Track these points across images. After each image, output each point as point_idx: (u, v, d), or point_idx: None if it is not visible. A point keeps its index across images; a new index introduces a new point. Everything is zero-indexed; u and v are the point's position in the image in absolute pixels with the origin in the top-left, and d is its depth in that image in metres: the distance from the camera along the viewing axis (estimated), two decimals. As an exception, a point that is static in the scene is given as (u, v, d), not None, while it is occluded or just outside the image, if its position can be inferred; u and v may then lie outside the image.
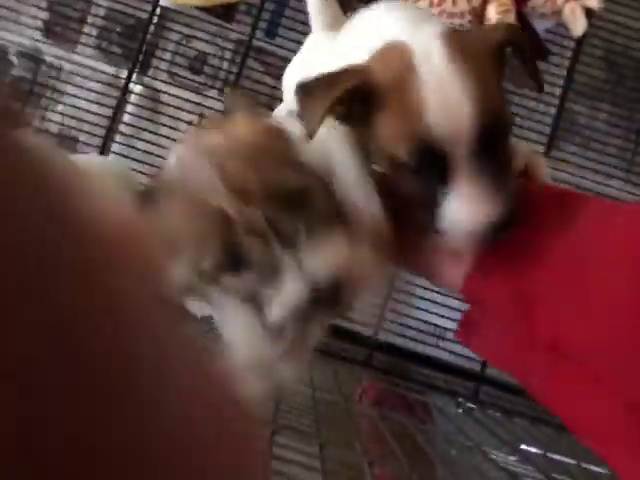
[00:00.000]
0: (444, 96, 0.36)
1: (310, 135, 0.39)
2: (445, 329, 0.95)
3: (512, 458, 0.73)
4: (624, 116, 1.03)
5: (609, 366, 0.35)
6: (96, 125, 0.96)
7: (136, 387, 0.12)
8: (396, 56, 0.39)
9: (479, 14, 0.80)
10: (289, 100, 0.73)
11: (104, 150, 0.95)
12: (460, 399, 0.89)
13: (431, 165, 0.37)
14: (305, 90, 0.40)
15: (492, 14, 0.78)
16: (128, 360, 0.12)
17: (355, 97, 0.39)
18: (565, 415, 0.38)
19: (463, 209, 0.38)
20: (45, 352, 0.10)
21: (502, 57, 0.40)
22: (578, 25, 0.78)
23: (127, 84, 0.95)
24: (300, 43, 1.02)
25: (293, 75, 0.71)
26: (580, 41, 0.95)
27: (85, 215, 0.13)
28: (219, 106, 0.98)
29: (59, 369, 0.10)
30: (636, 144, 1.03)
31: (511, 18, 0.78)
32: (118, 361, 0.12)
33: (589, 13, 0.80)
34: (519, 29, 0.46)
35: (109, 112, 0.96)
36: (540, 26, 0.86)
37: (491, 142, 0.38)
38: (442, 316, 0.93)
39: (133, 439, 0.12)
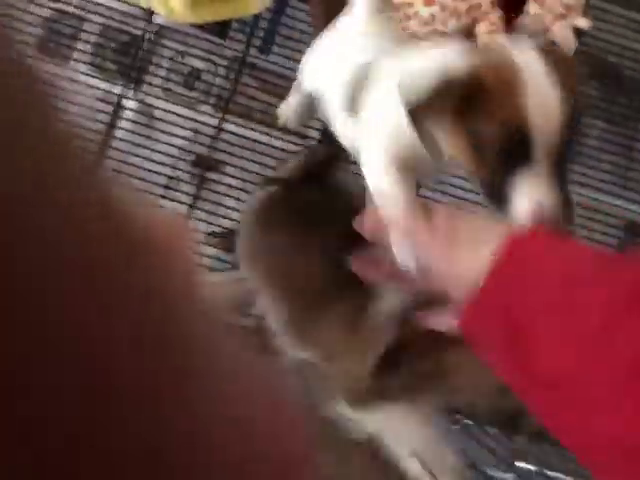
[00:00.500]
0: (542, 97, 0.45)
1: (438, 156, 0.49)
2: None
3: (508, 475, 0.72)
4: (617, 132, 1.03)
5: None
6: (89, 141, 0.96)
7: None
8: (501, 62, 0.47)
9: (468, 33, 0.80)
10: (308, 85, 0.76)
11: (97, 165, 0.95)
12: (457, 415, 0.88)
13: (517, 149, 0.45)
14: (420, 114, 0.47)
15: (481, 33, 0.79)
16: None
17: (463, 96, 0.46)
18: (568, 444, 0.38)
19: (535, 189, 0.45)
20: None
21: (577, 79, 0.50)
22: (567, 44, 0.79)
23: (120, 100, 0.95)
24: (293, 59, 1.03)
25: (320, 55, 0.72)
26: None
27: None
28: (212, 122, 0.98)
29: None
30: (629, 160, 1.04)
31: (500, 37, 0.79)
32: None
33: (578, 32, 0.81)
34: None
35: (102, 128, 0.96)
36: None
37: (565, 150, 0.46)
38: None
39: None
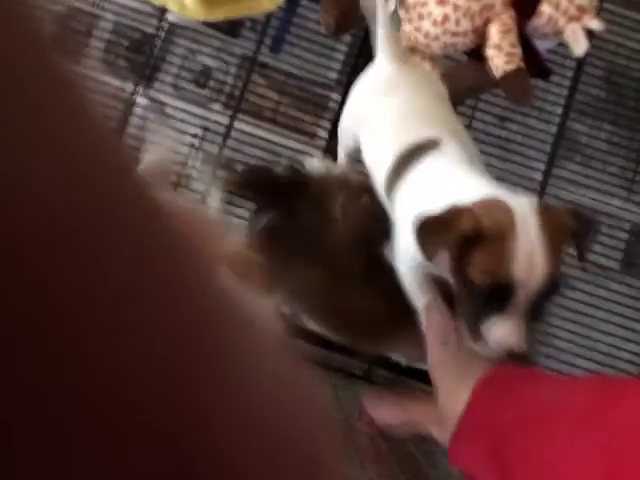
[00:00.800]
0: (530, 256, 0.51)
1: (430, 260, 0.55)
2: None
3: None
4: (625, 136, 1.04)
5: None
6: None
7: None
8: (501, 211, 0.53)
9: (481, 33, 0.81)
10: (345, 144, 0.79)
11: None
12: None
13: (497, 295, 0.52)
14: (425, 230, 0.54)
15: (494, 33, 0.79)
16: None
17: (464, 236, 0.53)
18: None
19: (506, 330, 0.52)
20: None
21: (568, 239, 0.55)
22: (580, 46, 0.79)
23: (132, 96, 0.96)
24: (304, 59, 1.04)
25: (352, 112, 0.75)
26: (581, 61, 0.96)
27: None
28: (223, 119, 0.99)
29: None
30: (637, 163, 1.04)
31: (512, 37, 0.79)
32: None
33: (590, 34, 0.81)
34: (586, 221, 0.58)
35: (114, 125, 0.97)
36: (541, 46, 0.87)
37: (543, 296, 0.52)
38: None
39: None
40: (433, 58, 0.85)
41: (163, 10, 0.95)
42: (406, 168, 0.61)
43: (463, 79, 0.85)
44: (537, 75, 0.86)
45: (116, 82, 1.01)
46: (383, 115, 0.66)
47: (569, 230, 0.54)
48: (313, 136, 1.05)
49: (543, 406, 0.44)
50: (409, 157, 0.61)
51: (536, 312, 0.54)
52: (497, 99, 1.00)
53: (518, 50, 0.80)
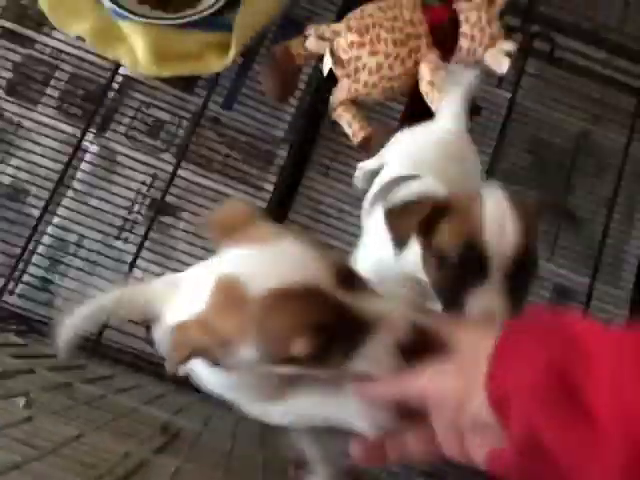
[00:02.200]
0: (500, 222, 0.51)
1: (400, 248, 0.54)
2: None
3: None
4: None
5: None
6: (48, 180, 1.00)
7: None
8: (469, 193, 0.54)
9: (413, 74, 0.89)
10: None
11: (51, 203, 0.98)
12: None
13: (471, 265, 0.51)
14: (393, 213, 0.54)
15: (425, 71, 0.87)
16: None
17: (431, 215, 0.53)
18: None
19: (485, 299, 0.51)
20: None
21: (537, 222, 0.55)
22: (501, 66, 0.87)
23: (79, 142, 1.00)
24: (253, 117, 1.10)
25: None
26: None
27: None
28: (170, 169, 1.03)
29: None
30: (559, 227, 1.12)
31: (442, 73, 0.87)
32: None
33: (509, 54, 0.89)
34: (549, 205, 0.60)
35: (61, 168, 1.00)
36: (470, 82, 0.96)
37: (519, 269, 0.51)
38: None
39: None
40: (362, 123, 0.93)
41: (118, 65, 1.00)
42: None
43: (384, 140, 0.92)
44: (470, 113, 0.94)
45: (69, 129, 1.05)
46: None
47: (537, 211, 0.55)
48: (259, 189, 1.10)
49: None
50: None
51: (516, 290, 0.52)
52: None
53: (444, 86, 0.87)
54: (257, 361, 0.39)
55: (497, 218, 0.51)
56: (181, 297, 0.43)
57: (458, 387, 0.37)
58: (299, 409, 0.46)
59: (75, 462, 0.37)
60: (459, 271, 0.52)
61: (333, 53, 0.88)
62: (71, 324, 0.50)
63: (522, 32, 1.02)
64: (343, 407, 0.43)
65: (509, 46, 0.87)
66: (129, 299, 0.51)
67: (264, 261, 0.39)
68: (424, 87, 0.88)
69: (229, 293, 0.38)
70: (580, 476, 0.33)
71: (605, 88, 1.13)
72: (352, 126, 0.93)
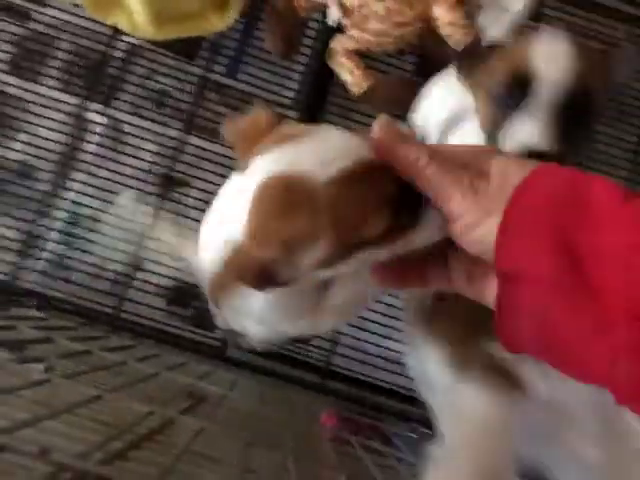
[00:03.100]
0: (553, 52, 0.49)
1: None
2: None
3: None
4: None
5: None
6: (57, 154, 0.98)
7: None
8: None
9: (426, 18, 0.84)
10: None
11: (61, 178, 0.97)
12: (414, 424, 0.89)
13: (518, 91, 0.49)
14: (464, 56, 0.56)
15: (442, 13, 0.81)
16: None
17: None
18: None
19: (526, 128, 0.48)
20: None
21: (605, 68, 0.52)
22: (517, 3, 0.81)
23: (83, 113, 0.98)
24: (261, 78, 1.07)
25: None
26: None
27: None
28: (179, 136, 1.01)
29: None
30: None
31: (461, 11, 0.81)
32: None
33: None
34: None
35: (68, 140, 0.98)
36: (493, 32, 0.90)
37: (575, 105, 0.49)
38: (398, 341, 0.95)
39: None
40: (366, 71, 0.88)
41: (117, 31, 0.98)
42: None
43: (392, 92, 0.88)
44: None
45: (73, 100, 1.03)
46: None
47: (602, 56, 0.53)
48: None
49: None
50: None
51: (570, 130, 0.48)
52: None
53: (470, 22, 0.83)
54: (322, 261, 0.35)
55: (551, 48, 0.49)
56: (209, 232, 0.39)
57: (473, 208, 0.34)
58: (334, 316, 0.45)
59: (93, 421, 0.36)
60: (506, 99, 0.49)
61: (339, 1, 0.84)
62: None
63: None
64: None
65: None
66: None
67: (313, 151, 0.35)
68: (445, 29, 0.83)
69: (285, 194, 0.34)
70: (584, 349, 0.32)
71: None
72: (354, 74, 0.89)
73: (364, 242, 0.35)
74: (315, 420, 0.87)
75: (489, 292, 0.37)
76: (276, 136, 0.37)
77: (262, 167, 0.36)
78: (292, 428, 0.69)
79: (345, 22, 0.87)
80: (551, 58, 0.48)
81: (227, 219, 0.37)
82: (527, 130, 0.48)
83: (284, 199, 0.34)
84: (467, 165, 0.36)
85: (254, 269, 0.34)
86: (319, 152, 0.35)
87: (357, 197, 0.34)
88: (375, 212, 0.34)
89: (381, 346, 0.96)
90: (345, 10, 0.85)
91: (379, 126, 0.37)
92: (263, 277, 0.34)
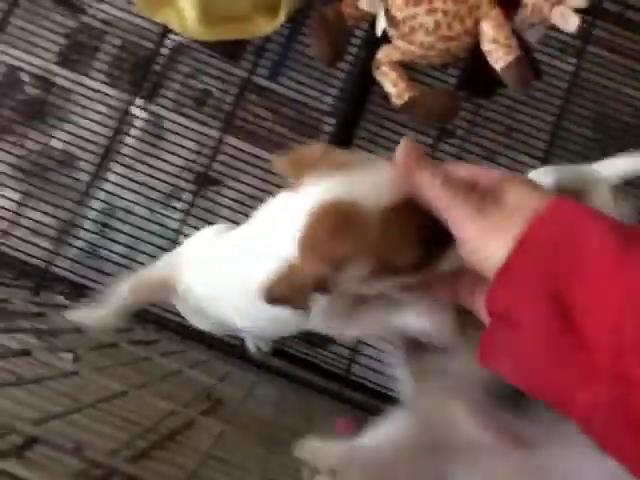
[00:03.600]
0: None
1: None
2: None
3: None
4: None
5: None
6: (98, 145, 1.01)
7: None
8: None
9: (474, 34, 0.83)
10: None
11: (101, 169, 0.99)
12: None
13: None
14: None
15: (487, 29, 0.81)
16: None
17: None
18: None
19: None
20: None
21: None
22: (570, 24, 0.80)
23: (128, 108, 1.00)
24: (302, 83, 1.08)
25: None
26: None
27: None
28: (217, 136, 1.02)
29: None
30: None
31: (506, 30, 0.81)
32: None
33: (582, 11, 0.83)
34: None
35: (111, 133, 1.00)
36: (532, 37, 0.89)
37: None
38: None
39: None
40: (409, 83, 0.88)
41: (167, 30, 0.99)
42: None
43: (433, 104, 0.87)
44: (531, 74, 0.88)
45: (119, 95, 1.05)
46: None
47: None
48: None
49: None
50: None
51: None
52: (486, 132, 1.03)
53: (514, 41, 0.82)
54: (360, 279, 0.40)
55: None
56: (248, 252, 0.45)
57: (480, 232, 0.36)
58: (366, 323, 0.49)
59: (118, 417, 0.37)
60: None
61: (387, 12, 0.84)
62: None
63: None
64: (405, 314, 0.46)
65: (579, 1, 0.81)
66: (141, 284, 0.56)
67: (366, 182, 0.39)
68: (487, 46, 0.82)
69: (339, 217, 0.38)
70: (566, 395, 0.32)
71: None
72: (397, 85, 0.88)
73: (396, 269, 0.39)
74: (331, 428, 0.87)
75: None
76: (329, 163, 0.41)
77: (318, 191, 0.39)
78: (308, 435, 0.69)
79: (392, 33, 0.87)
80: None
81: (277, 235, 0.41)
82: None
83: (338, 223, 0.38)
84: (484, 189, 0.37)
85: (306, 283, 0.38)
86: (371, 183, 0.39)
87: (398, 229, 0.38)
88: (410, 244, 0.38)
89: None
90: (392, 21, 0.85)
91: (401, 149, 0.39)
92: (316, 289, 0.39)
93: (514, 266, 0.34)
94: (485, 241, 0.35)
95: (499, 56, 0.82)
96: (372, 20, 0.91)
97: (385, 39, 0.90)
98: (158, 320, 0.96)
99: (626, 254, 0.31)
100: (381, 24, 0.87)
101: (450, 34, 0.82)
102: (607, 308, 0.30)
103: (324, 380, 0.94)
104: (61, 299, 0.89)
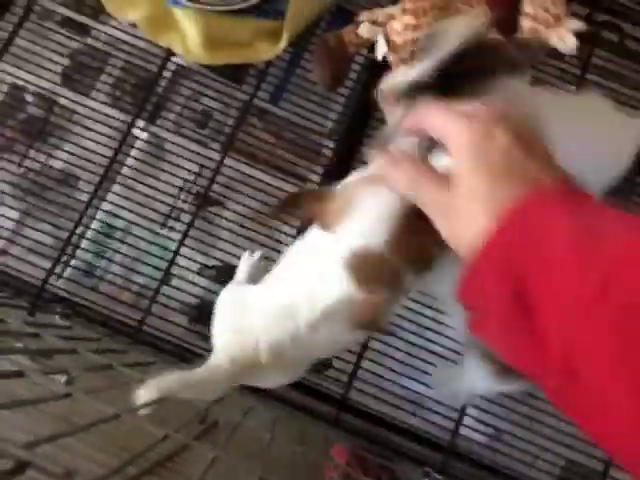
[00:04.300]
0: None
1: None
2: (424, 396, 0.94)
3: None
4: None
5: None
6: (98, 165, 1.01)
7: None
8: None
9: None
10: None
11: (100, 189, 0.99)
12: (427, 469, 0.87)
13: None
14: None
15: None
16: None
17: None
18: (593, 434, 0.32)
19: None
20: None
21: None
22: (568, 44, 0.81)
23: (129, 129, 1.01)
24: (302, 107, 1.09)
25: None
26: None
27: None
28: (217, 158, 1.03)
29: None
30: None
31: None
32: None
33: (581, 39, 0.84)
34: None
35: (111, 154, 1.01)
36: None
37: None
38: (422, 383, 0.93)
39: None
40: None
41: (169, 52, 1.01)
42: None
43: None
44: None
45: (120, 116, 1.06)
46: None
47: None
48: (306, 180, 1.08)
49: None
50: None
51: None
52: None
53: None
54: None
55: None
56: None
57: (443, 224, 0.40)
58: None
59: (110, 442, 0.36)
60: None
61: (387, 38, 0.85)
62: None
63: (588, 21, 0.96)
64: None
65: (576, 25, 0.82)
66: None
67: (374, 224, 0.52)
68: None
69: (370, 259, 0.52)
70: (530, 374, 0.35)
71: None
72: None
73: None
74: (326, 453, 0.86)
75: None
76: (343, 201, 0.53)
77: (346, 241, 0.52)
78: (302, 460, 0.68)
79: (392, 58, 0.88)
80: None
81: (323, 273, 0.53)
82: None
83: (371, 264, 0.51)
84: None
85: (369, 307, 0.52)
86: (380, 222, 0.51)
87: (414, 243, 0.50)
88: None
89: (398, 384, 0.94)
90: (393, 46, 0.86)
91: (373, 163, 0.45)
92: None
93: (479, 268, 0.36)
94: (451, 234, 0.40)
95: None
96: (372, 46, 0.93)
97: (385, 63, 0.91)
98: (154, 343, 0.95)
99: (589, 256, 0.32)
100: (381, 49, 0.88)
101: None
102: (560, 305, 0.32)
103: (320, 404, 0.93)
104: (57, 319, 0.89)
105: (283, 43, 0.94)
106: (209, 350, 0.97)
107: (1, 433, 0.30)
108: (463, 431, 0.91)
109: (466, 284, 0.37)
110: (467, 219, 0.37)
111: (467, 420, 0.92)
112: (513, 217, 0.35)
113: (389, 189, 0.46)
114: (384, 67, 0.92)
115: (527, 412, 0.93)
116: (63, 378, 0.48)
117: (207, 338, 1.03)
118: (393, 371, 0.94)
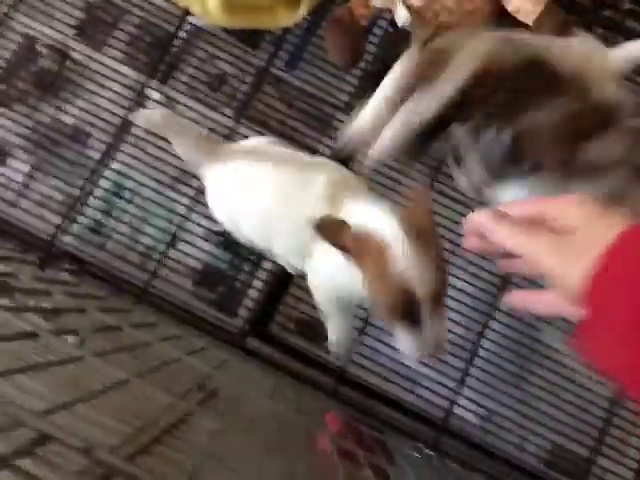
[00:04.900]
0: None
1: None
2: (421, 375, 0.96)
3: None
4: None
5: None
6: (109, 124, 1.00)
7: None
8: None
9: (495, 1, 0.83)
10: None
11: (111, 148, 0.99)
12: (419, 444, 0.89)
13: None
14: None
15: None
16: None
17: None
18: None
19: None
20: None
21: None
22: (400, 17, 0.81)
23: (142, 88, 0.99)
24: (318, 77, 1.07)
25: None
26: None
27: None
28: (230, 123, 1.02)
29: None
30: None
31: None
32: None
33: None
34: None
35: (123, 113, 1.00)
36: None
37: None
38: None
39: None
40: None
41: (186, 12, 0.99)
42: None
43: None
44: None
45: (132, 74, 1.04)
46: None
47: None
48: (314, 151, 1.07)
49: None
50: None
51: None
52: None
53: None
54: None
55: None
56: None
57: (557, 262, 0.38)
58: None
59: (119, 407, 0.37)
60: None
61: (406, 5, 0.83)
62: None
63: (615, 9, 0.94)
64: None
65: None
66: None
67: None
68: (512, 5, 0.81)
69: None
70: None
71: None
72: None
73: None
74: (321, 422, 0.88)
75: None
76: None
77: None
78: (298, 428, 0.69)
79: (416, 23, 0.86)
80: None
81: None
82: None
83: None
84: (550, 219, 0.39)
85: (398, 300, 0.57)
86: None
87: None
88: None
89: (397, 361, 0.96)
90: (414, 11, 0.84)
91: (477, 219, 0.43)
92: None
93: (598, 292, 0.35)
94: (566, 270, 0.38)
95: (528, 9, 0.81)
96: (386, 16, 0.90)
97: (405, 31, 0.89)
98: (159, 303, 0.96)
99: None
100: (402, 16, 0.86)
101: (472, 7, 0.81)
102: None
103: (320, 375, 0.95)
104: (65, 276, 0.90)
105: (303, 10, 0.92)
106: (212, 314, 0.99)
107: (14, 397, 0.30)
108: (457, 410, 0.93)
109: (590, 301, 0.36)
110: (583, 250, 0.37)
111: (462, 401, 0.94)
112: (628, 236, 0.35)
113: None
114: (403, 41, 0.90)
115: (520, 396, 0.95)
116: (72, 339, 0.49)
117: (210, 302, 1.04)
118: (392, 348, 0.95)
